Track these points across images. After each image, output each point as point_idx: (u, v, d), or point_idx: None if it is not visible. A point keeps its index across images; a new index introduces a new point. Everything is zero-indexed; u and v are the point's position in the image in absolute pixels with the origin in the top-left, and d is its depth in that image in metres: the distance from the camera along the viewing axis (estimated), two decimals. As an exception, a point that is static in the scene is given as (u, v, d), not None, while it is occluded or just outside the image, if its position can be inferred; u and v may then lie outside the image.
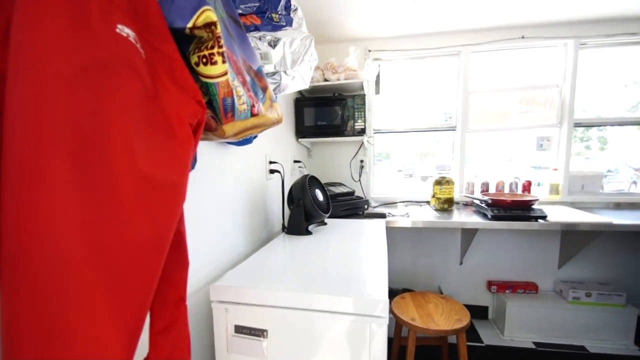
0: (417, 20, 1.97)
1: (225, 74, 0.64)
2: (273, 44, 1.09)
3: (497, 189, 2.19)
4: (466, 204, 2.22)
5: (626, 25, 1.99)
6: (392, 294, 2.27)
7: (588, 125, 2.18)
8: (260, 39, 1.05)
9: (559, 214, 1.83)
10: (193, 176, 0.90)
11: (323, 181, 2.34)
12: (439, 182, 2.09)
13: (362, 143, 2.30)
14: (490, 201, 1.89)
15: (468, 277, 2.23)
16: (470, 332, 2.08)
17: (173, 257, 0.59)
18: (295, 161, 2.06)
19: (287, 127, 1.95)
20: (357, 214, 2.01)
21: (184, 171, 0.55)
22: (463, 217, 1.91)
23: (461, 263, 2.19)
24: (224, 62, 0.63)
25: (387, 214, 1.94)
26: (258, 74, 0.82)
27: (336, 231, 1.53)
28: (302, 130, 2.10)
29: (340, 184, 2.26)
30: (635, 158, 3.21)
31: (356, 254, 1.14)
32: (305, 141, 2.20)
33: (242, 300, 0.86)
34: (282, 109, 1.88)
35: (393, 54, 2.27)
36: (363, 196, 2.30)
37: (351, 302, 0.79)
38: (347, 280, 0.89)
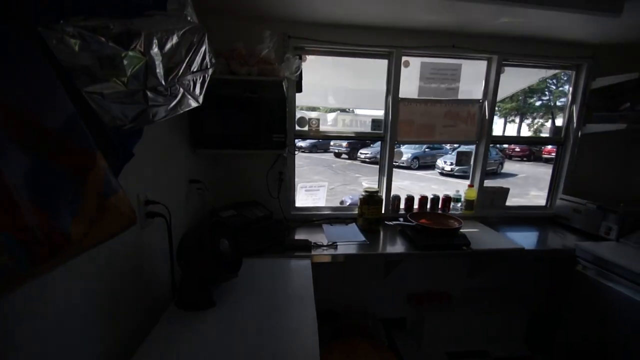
0: (344, 6, 1.59)
1: None
2: (126, 42, 0.59)
3: (419, 204, 2.12)
4: (391, 221, 2.09)
5: (539, 46, 2.01)
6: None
7: (502, 142, 2.24)
8: (94, 30, 0.55)
9: (477, 237, 1.82)
10: None
11: (234, 199, 1.87)
12: (367, 202, 1.89)
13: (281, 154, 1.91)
14: (419, 227, 1.78)
15: (390, 292, 2.18)
16: (390, 348, 2.03)
17: None
18: (192, 181, 1.55)
19: (176, 135, 1.40)
20: (278, 242, 1.66)
21: None
22: (390, 244, 1.77)
23: (385, 277, 2.09)
24: None
25: (312, 245, 1.64)
26: (60, 134, 0.36)
27: (250, 288, 1.19)
28: (201, 141, 1.58)
29: (255, 204, 1.86)
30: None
31: (277, 330, 0.94)
32: (206, 151, 1.69)
33: None
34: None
35: (318, 45, 1.88)
36: (282, 217, 1.95)
37: None
38: None
